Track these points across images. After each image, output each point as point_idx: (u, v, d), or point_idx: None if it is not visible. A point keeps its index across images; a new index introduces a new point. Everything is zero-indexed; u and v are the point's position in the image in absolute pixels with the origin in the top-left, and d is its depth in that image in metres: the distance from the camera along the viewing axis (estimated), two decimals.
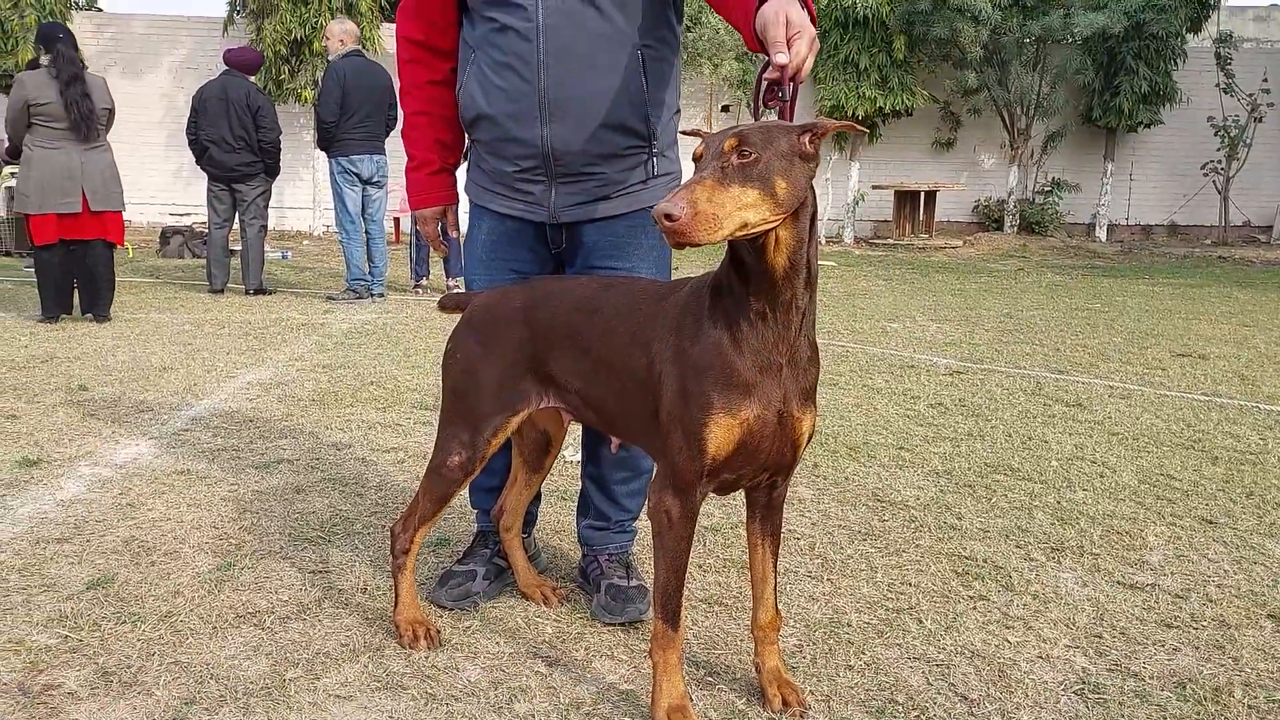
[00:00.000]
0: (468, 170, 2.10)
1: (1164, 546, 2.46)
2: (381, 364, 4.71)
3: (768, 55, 1.46)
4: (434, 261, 8.01)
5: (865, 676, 1.80)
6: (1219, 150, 14.70)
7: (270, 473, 2.98)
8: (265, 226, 7.45)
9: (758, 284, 1.45)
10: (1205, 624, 2.04)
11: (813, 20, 1.50)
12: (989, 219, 15.13)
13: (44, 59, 5.68)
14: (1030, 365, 4.94)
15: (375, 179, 6.69)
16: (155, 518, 2.58)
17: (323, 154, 7.03)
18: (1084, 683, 1.79)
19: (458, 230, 2.21)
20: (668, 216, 1.28)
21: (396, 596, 1.92)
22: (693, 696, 1.70)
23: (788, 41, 1.43)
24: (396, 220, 12.51)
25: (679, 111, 2.05)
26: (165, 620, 1.98)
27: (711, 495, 1.60)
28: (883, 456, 3.23)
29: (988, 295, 8.38)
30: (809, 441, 1.60)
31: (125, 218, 6.08)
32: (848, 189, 14.58)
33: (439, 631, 1.91)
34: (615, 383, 1.68)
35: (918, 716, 1.67)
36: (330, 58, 6.60)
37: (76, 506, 2.65)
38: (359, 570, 2.25)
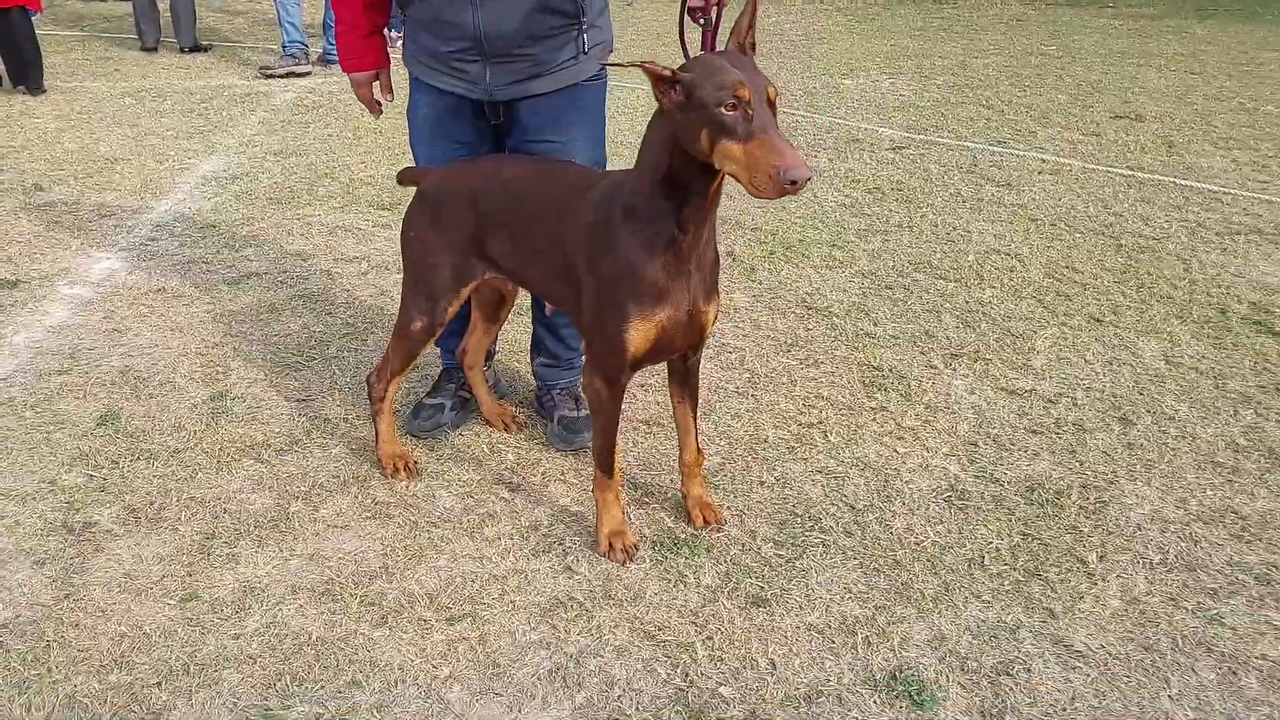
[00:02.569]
0: (404, 42, 2.15)
1: (1049, 350, 2.80)
2: (332, 149, 4.74)
3: None
4: None
5: (774, 491, 2.17)
6: None
7: (242, 289, 3.18)
8: None
9: (694, 208, 1.63)
10: (1066, 429, 2.41)
11: None
12: None
13: None
14: (971, 134, 5.07)
15: None
16: (143, 344, 2.81)
17: None
18: (952, 489, 2.18)
19: (391, 93, 2.28)
20: (800, 183, 1.43)
21: (377, 435, 2.22)
22: (630, 516, 2.06)
23: None
24: None
25: None
26: (175, 456, 2.28)
27: None
28: (815, 257, 3.48)
29: (947, 36, 8.23)
30: (714, 323, 1.85)
31: None
32: None
33: (416, 462, 2.23)
34: (540, 268, 1.89)
35: (812, 525, 2.05)
36: None
37: (66, 334, 2.87)
38: (339, 398, 2.54)
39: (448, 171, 2.05)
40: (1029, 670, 1.68)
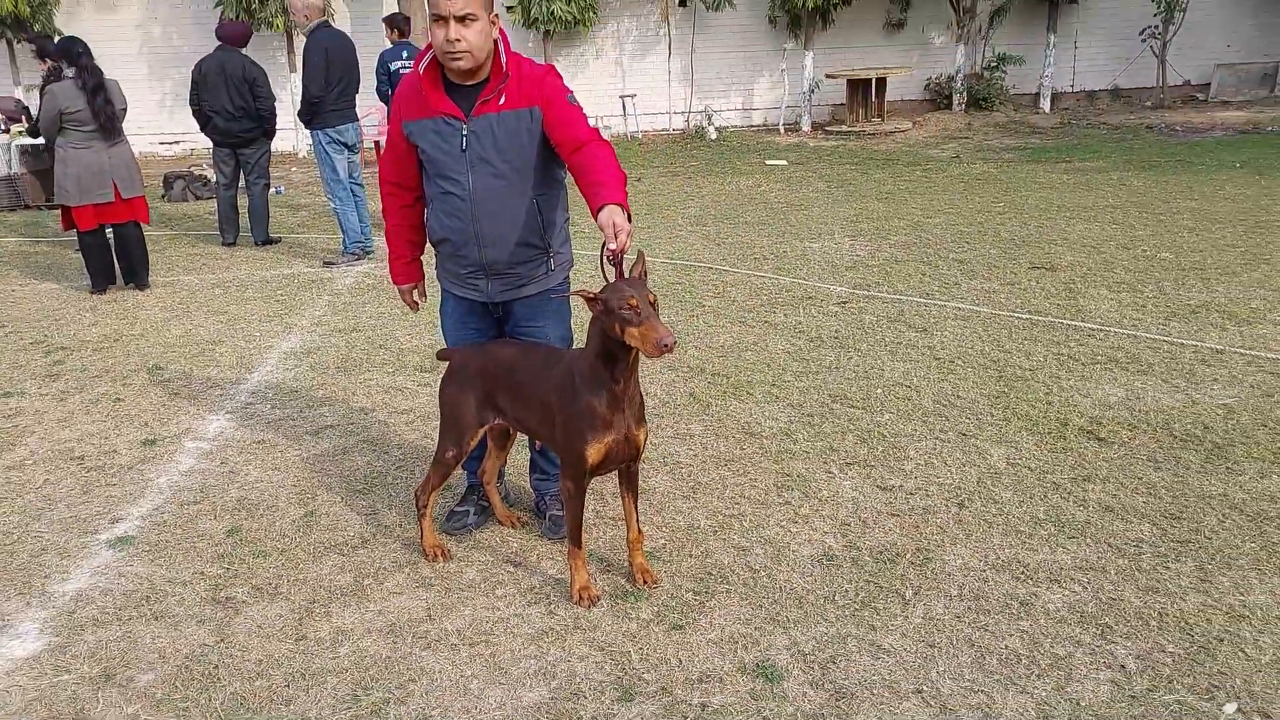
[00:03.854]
0: (437, 266, 3.25)
1: (920, 457, 3.74)
2: (385, 325, 5.89)
3: (605, 237, 2.60)
4: None
5: (697, 561, 3.09)
6: (1156, 15, 15.33)
7: (321, 438, 4.23)
8: (269, 185, 8.48)
9: (621, 368, 2.64)
10: (916, 512, 3.32)
11: (628, 217, 2.63)
12: (939, 96, 15.92)
13: (68, 71, 6.61)
14: (906, 289, 6.13)
15: (355, 144, 7.66)
16: (252, 480, 3.84)
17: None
18: (825, 555, 3.08)
19: (425, 296, 3.38)
20: (670, 347, 2.43)
21: (421, 532, 3.20)
22: (596, 578, 2.99)
23: (615, 234, 2.57)
24: (376, 143, 13.36)
25: (568, 219, 3.18)
26: (282, 554, 3.26)
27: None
28: (758, 394, 4.48)
29: (909, 197, 9.45)
30: (645, 444, 2.84)
31: None
32: (803, 78, 15.32)
33: (449, 550, 3.19)
34: (530, 415, 2.91)
35: (720, 580, 2.96)
36: (304, 32, 7.42)
37: (194, 476, 3.91)
38: (395, 511, 3.53)
39: (466, 352, 3.10)
40: (848, 660, 2.56)
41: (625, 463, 2.86)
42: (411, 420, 4.39)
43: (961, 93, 15.42)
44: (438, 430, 3.15)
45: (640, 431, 2.80)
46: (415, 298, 3.38)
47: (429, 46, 2.91)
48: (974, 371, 4.61)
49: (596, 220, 2.64)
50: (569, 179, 3.01)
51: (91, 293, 6.95)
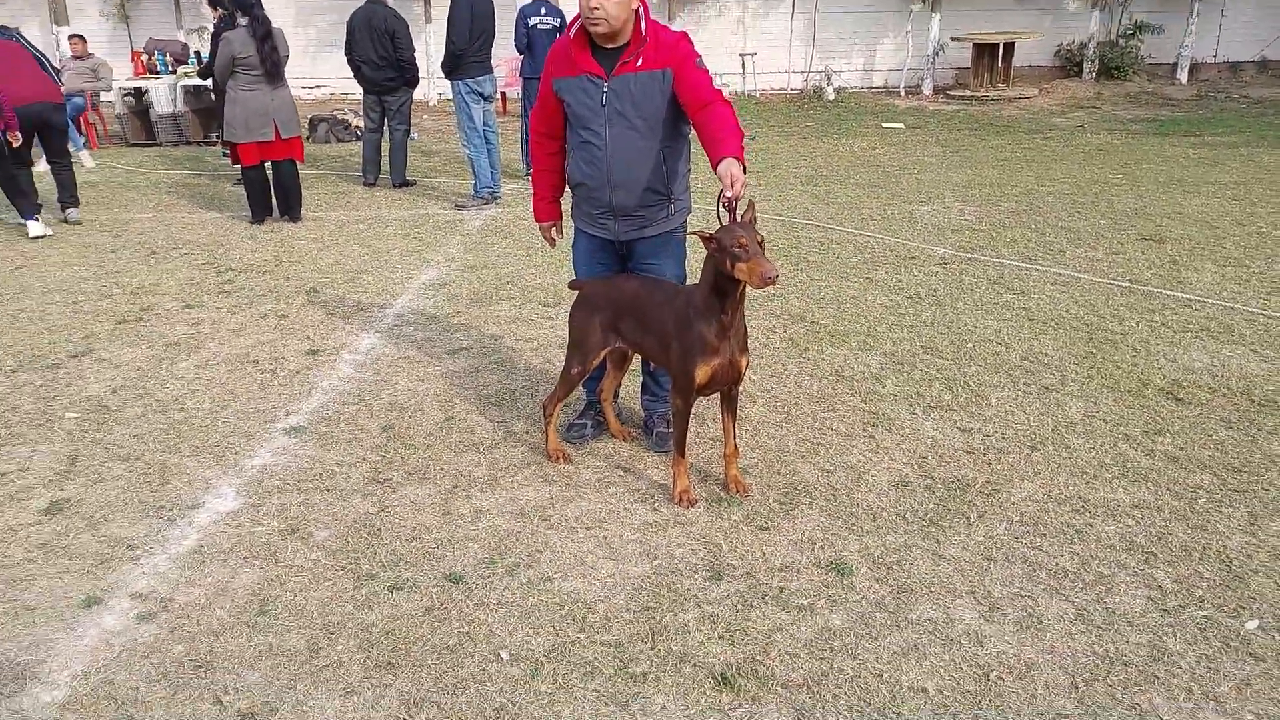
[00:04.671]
0: (573, 207, 3.69)
1: (999, 405, 4.03)
2: (510, 264, 6.41)
3: (722, 185, 3.00)
4: None
5: (785, 478, 3.49)
6: None
7: (457, 357, 4.78)
8: (409, 131, 9.13)
9: (730, 301, 3.05)
10: (990, 451, 3.64)
11: (743, 169, 3.02)
12: (1070, 63, 15.51)
13: (241, 20, 7.31)
14: (1009, 253, 6.31)
15: (492, 95, 8.18)
16: (401, 389, 4.41)
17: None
18: (901, 481, 3.45)
19: (561, 234, 3.84)
20: (773, 279, 2.86)
21: (546, 436, 3.69)
22: (695, 485, 3.43)
23: (732, 183, 2.97)
24: (504, 94, 13.94)
25: (689, 170, 3.58)
26: (429, 448, 3.81)
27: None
28: (853, 342, 4.81)
29: (1027, 165, 9.46)
30: (747, 370, 3.25)
31: None
32: (928, 40, 15.16)
33: (569, 454, 3.68)
34: (649, 340, 3.34)
35: (804, 495, 3.36)
36: None
37: (352, 382, 4.51)
38: (522, 422, 4.03)
39: (595, 283, 3.56)
40: (912, 564, 2.94)
41: (728, 385, 3.27)
42: (536, 347, 4.89)
43: (1094, 60, 15.00)
44: (564, 352, 3.62)
45: (743, 359, 3.20)
46: (553, 235, 3.84)
47: (579, 14, 3.33)
48: (1065, 333, 4.83)
49: (715, 170, 3.03)
50: (692, 135, 3.41)
51: (251, 223, 7.71)
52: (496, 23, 8.15)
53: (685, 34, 3.41)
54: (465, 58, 7.80)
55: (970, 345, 4.71)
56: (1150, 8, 15.16)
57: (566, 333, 3.63)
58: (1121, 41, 15.10)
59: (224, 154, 9.14)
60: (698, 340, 3.13)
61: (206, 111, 11.49)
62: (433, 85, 15.24)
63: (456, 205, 8.20)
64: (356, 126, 11.80)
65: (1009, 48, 14.82)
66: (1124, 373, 4.31)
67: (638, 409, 4.08)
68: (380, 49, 8.65)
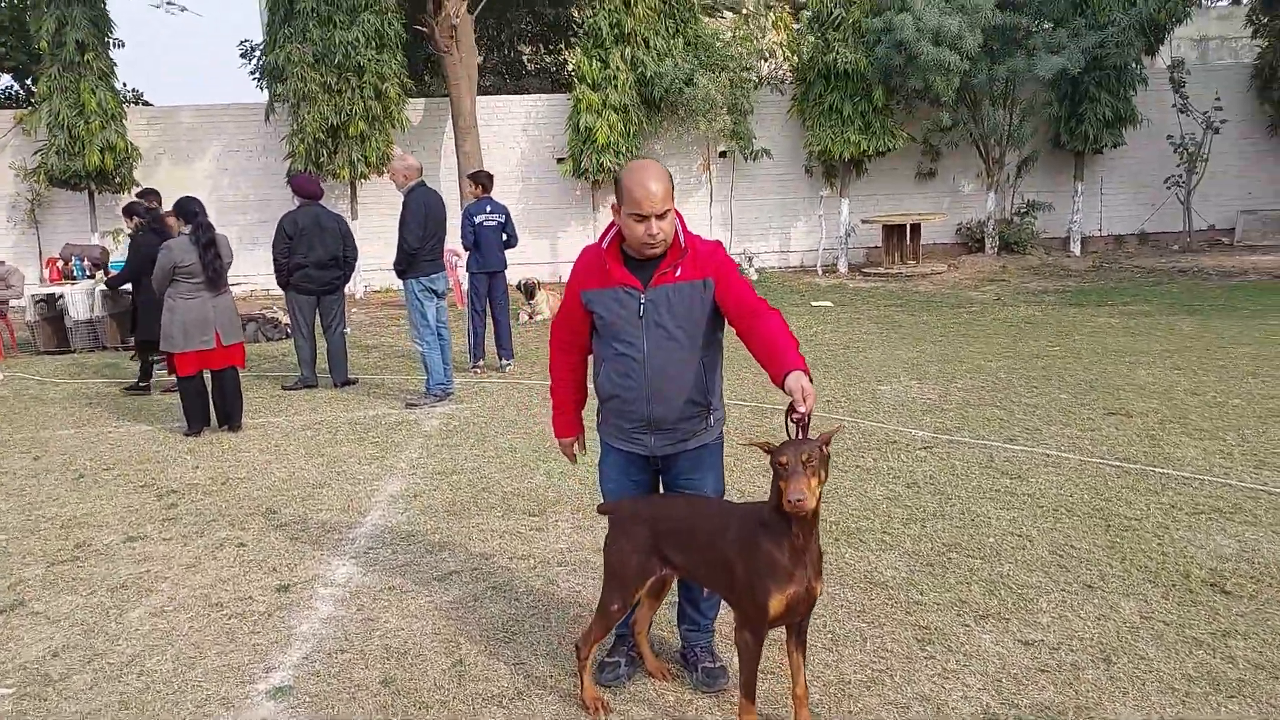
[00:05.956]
0: (600, 422, 3.43)
1: (1053, 610, 3.80)
2: (482, 468, 6.04)
3: (792, 401, 2.80)
4: (488, 346, 9.33)
5: (858, 717, 3.14)
6: (1179, 166, 15.98)
7: (449, 584, 4.33)
8: (345, 330, 8.84)
9: (797, 524, 2.79)
10: (1065, 668, 3.37)
11: (809, 377, 2.84)
12: (971, 240, 16.46)
13: (185, 228, 7.04)
14: (988, 433, 6.27)
15: (445, 291, 8.03)
16: (393, 627, 3.93)
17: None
18: (986, 713, 3.13)
19: (585, 449, 3.56)
20: (800, 501, 2.61)
21: (581, 682, 3.27)
22: None
23: (804, 398, 2.78)
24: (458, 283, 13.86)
25: (722, 377, 3.39)
26: (444, 705, 3.32)
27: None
28: (871, 541, 4.57)
29: (965, 340, 9.71)
30: (821, 595, 2.95)
31: None
32: (839, 223, 15.91)
33: (608, 703, 3.25)
34: (707, 566, 3.03)
35: None
36: (402, 191, 7.87)
37: (335, 623, 4.00)
38: (542, 661, 3.60)
39: (632, 505, 3.25)
40: None
41: (801, 616, 2.96)
42: (533, 566, 4.49)
43: (994, 237, 15.93)
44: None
45: (819, 584, 2.91)
46: (575, 450, 3.55)
47: (612, 225, 3.18)
48: (1080, 520, 4.70)
49: (782, 385, 2.85)
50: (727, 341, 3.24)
51: (187, 435, 7.17)
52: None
53: (719, 243, 3.31)
54: (419, 256, 7.67)
55: (992, 540, 4.52)
56: (1040, 187, 16.38)
57: (603, 563, 3.28)
58: (1017, 219, 16.16)
59: (156, 362, 8.66)
60: (768, 564, 2.84)
61: (124, 316, 10.98)
62: (359, 278, 15.09)
63: (408, 404, 7.85)
64: (286, 324, 11.44)
65: (915, 228, 15.66)
66: (1158, 564, 4.16)
67: (667, 637, 3.70)
68: (332, 249, 8.52)
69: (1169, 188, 16.16)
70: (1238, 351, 8.43)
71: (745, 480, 5.41)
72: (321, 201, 8.87)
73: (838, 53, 14.52)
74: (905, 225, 15.55)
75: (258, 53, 18.75)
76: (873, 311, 12.00)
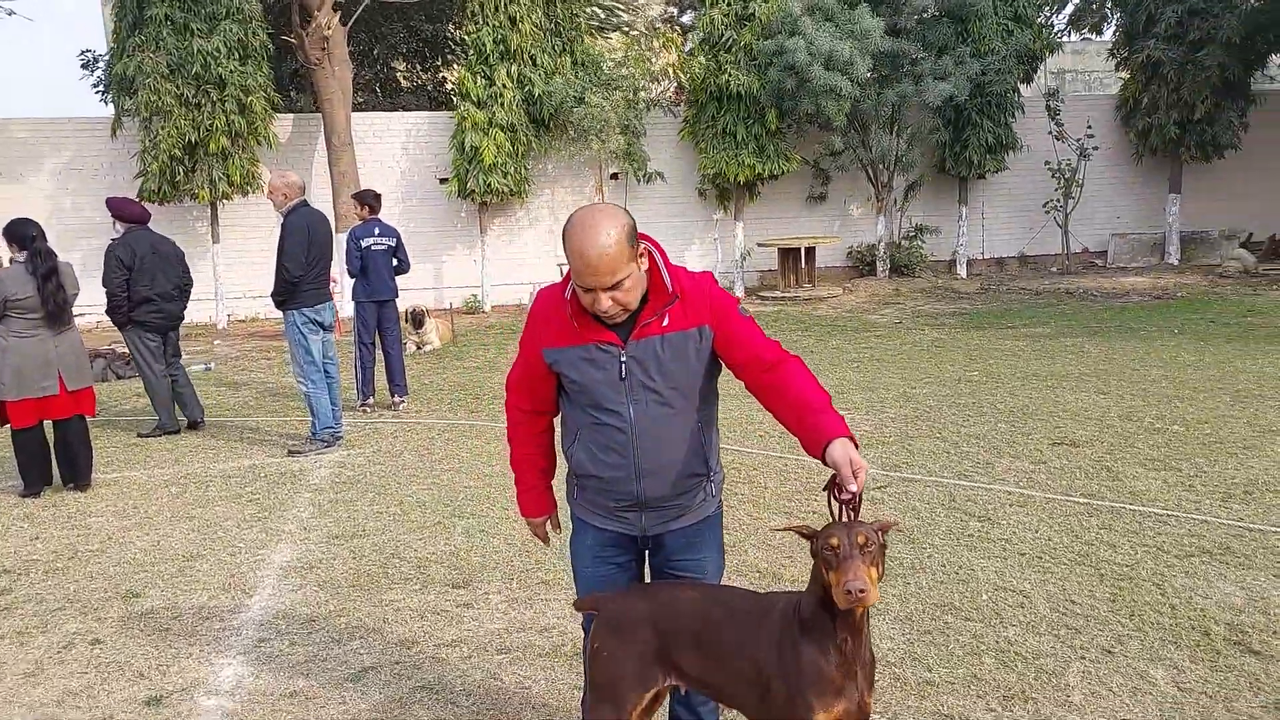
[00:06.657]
0: (571, 494, 2.76)
1: (1079, 684, 3.35)
2: (386, 528, 5.23)
3: (838, 476, 2.23)
4: (378, 381, 8.45)
5: None
6: (1056, 190, 16.47)
7: (367, 685, 3.55)
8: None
9: (844, 625, 2.21)
10: None
11: (855, 444, 2.28)
12: (863, 263, 16.49)
13: (19, 256, 5.96)
14: (938, 469, 5.89)
15: (331, 324, 7.14)
16: None
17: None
18: None
19: (559, 528, 2.89)
20: (862, 592, 2.06)
21: None
22: None
23: (855, 473, 2.21)
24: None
25: (718, 432, 2.78)
26: None
27: None
28: None
29: (882, 366, 9.44)
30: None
31: None
32: (735, 246, 15.64)
33: None
34: (729, 677, 2.40)
35: None
36: (281, 212, 6.95)
37: None
38: None
39: (625, 599, 2.59)
40: None
41: None
42: (467, 654, 3.76)
43: (885, 260, 15.99)
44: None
45: (871, 698, 2.33)
46: (548, 530, 2.88)
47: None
48: (1069, 569, 4.31)
49: (824, 458, 2.28)
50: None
51: (23, 496, 6.05)
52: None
53: (709, 275, 2.71)
54: (301, 285, 6.77)
55: (985, 598, 4.06)
56: (926, 212, 16.57)
57: (584, 673, 2.61)
58: (906, 243, 16.29)
59: None
60: (811, 675, 2.24)
61: None
62: (221, 307, 13.81)
63: (291, 451, 6.91)
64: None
65: (810, 251, 15.55)
66: (1170, 620, 3.79)
67: None
68: (175, 278, 7.56)
69: (1047, 212, 16.62)
70: (1152, 374, 8.42)
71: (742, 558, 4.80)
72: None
73: (730, 74, 14.28)
74: (800, 249, 15.40)
75: (101, 64, 17.16)
76: (781, 337, 11.59)
